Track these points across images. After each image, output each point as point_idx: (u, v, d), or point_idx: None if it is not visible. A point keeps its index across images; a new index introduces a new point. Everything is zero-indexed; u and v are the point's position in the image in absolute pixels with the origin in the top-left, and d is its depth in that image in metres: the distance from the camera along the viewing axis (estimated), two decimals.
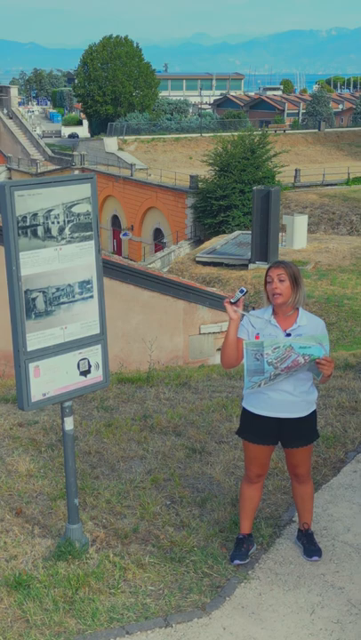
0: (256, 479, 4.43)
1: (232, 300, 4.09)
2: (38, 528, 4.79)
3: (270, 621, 3.92)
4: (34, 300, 4.00)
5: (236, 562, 4.35)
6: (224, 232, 37.76)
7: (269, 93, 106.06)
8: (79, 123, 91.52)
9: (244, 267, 28.73)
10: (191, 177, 42.36)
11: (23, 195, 3.89)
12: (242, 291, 4.08)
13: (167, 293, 12.76)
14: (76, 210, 4.13)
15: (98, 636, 3.77)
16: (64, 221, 4.08)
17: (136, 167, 49.64)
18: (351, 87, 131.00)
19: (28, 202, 3.92)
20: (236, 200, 38.59)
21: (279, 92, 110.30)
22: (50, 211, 4.01)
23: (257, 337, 4.07)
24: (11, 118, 71.66)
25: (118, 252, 47.93)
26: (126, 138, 57.80)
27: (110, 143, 55.47)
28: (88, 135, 77.96)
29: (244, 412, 4.35)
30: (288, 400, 4.19)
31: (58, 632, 3.79)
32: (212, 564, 4.34)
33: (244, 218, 37.99)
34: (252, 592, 4.15)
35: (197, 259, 31.10)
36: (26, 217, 3.92)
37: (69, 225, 4.11)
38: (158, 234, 46.67)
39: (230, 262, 29.70)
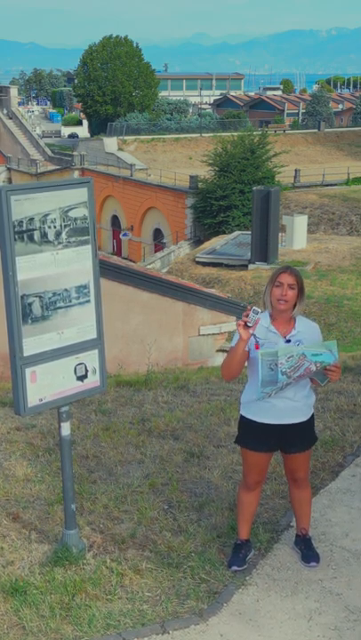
0: (255, 486, 4.41)
1: (249, 324, 3.92)
2: (35, 533, 4.77)
3: (268, 628, 3.90)
4: (30, 304, 3.98)
5: (234, 567, 4.33)
6: (224, 232, 37.75)
7: (269, 93, 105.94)
8: (79, 123, 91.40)
9: (244, 267, 28.72)
10: (191, 177, 42.33)
11: (20, 199, 3.88)
12: (256, 311, 3.91)
13: (166, 294, 12.72)
14: (72, 214, 4.11)
15: None
16: (61, 226, 4.06)
17: (136, 167, 49.59)
18: (351, 87, 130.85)
19: (25, 206, 3.90)
20: (235, 200, 38.57)
21: (279, 92, 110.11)
22: (46, 215, 3.99)
23: (256, 346, 4.04)
24: (10, 118, 71.62)
25: (118, 252, 47.86)
26: (126, 138, 57.75)
27: (110, 143, 55.42)
28: (88, 135, 77.85)
29: (244, 420, 4.31)
30: (291, 406, 4.18)
31: (54, 639, 3.77)
32: (210, 570, 4.32)
33: (243, 218, 37.97)
34: (249, 598, 4.13)
35: (197, 259, 31.10)
36: (22, 221, 3.90)
37: (66, 229, 4.09)
38: (158, 234, 46.63)
39: (230, 263, 29.70)
